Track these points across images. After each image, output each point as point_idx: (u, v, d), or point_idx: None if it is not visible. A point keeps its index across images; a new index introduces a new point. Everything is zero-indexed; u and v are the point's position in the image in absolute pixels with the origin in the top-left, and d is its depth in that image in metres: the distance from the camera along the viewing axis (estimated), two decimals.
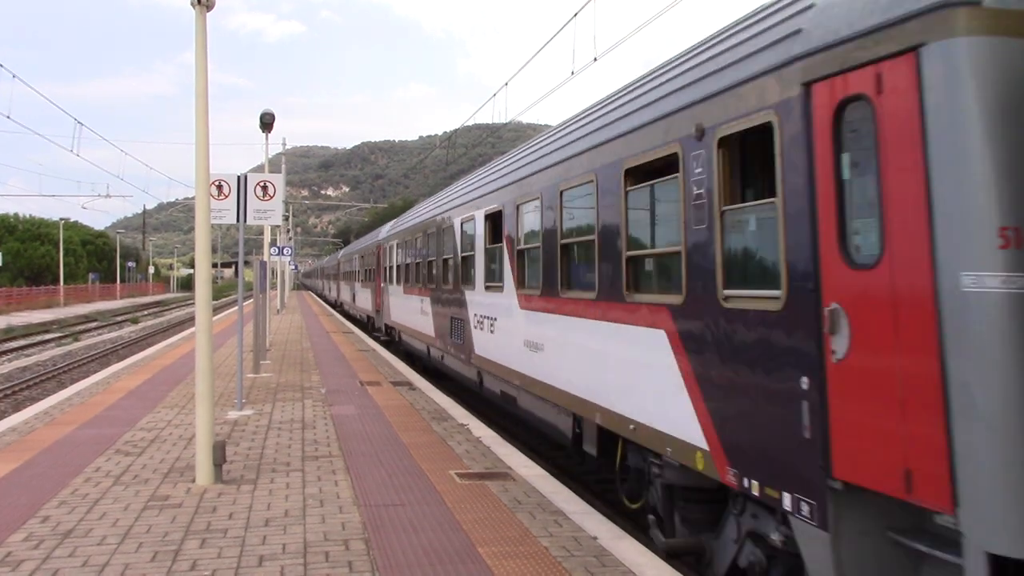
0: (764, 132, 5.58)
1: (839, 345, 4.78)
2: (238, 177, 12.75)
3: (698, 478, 6.45)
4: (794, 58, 5.22)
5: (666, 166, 6.98)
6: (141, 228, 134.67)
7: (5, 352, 32.02)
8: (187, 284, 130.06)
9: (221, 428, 11.36)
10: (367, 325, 34.66)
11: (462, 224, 14.94)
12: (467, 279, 14.53)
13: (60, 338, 38.86)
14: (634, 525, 8.54)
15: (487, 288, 12.95)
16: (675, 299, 6.69)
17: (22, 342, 36.74)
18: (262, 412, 12.98)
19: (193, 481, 8.54)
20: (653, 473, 7.41)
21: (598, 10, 14.09)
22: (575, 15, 15.16)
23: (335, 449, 10.18)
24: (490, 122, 26.62)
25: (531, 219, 10.81)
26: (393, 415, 12.67)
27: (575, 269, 9.34)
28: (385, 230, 29.54)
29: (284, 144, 44.22)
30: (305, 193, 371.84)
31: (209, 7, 8.63)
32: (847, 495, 4.78)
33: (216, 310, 49.31)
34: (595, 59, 14.89)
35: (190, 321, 44.91)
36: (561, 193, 9.48)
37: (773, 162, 5.42)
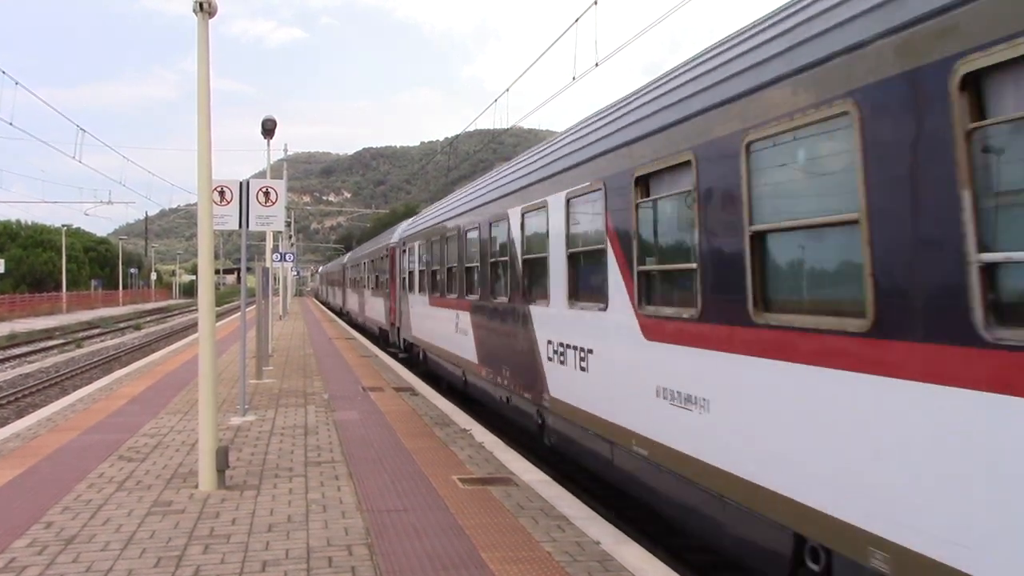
0: None
1: None
2: (240, 183, 12.77)
3: None
4: None
5: None
6: (143, 234, 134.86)
7: (8, 359, 32.04)
8: (189, 290, 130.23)
9: (224, 434, 11.37)
10: (379, 339, 30.50)
11: (524, 216, 11.21)
12: (534, 291, 10.84)
13: (63, 344, 38.88)
14: (637, 530, 8.53)
15: (574, 304, 9.25)
16: None
17: (25, 349, 36.79)
18: (265, 418, 12.99)
19: (196, 487, 8.54)
20: None
21: (599, 15, 14.14)
22: (576, 20, 15.21)
23: (338, 455, 10.18)
24: (492, 128, 26.65)
25: (666, 200, 7.23)
26: (396, 420, 12.67)
27: (785, 277, 5.67)
28: (401, 229, 25.84)
29: (286, 150, 44.24)
30: (307, 199, 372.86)
31: (212, 13, 8.66)
32: None
33: (219, 316, 49.33)
34: (596, 64, 14.93)
35: (193, 327, 44.98)
36: (747, 147, 5.81)
37: None
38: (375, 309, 31.75)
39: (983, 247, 3.91)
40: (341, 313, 53.57)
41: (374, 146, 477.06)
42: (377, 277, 30.84)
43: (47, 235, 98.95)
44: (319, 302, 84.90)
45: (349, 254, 54.57)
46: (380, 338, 30.23)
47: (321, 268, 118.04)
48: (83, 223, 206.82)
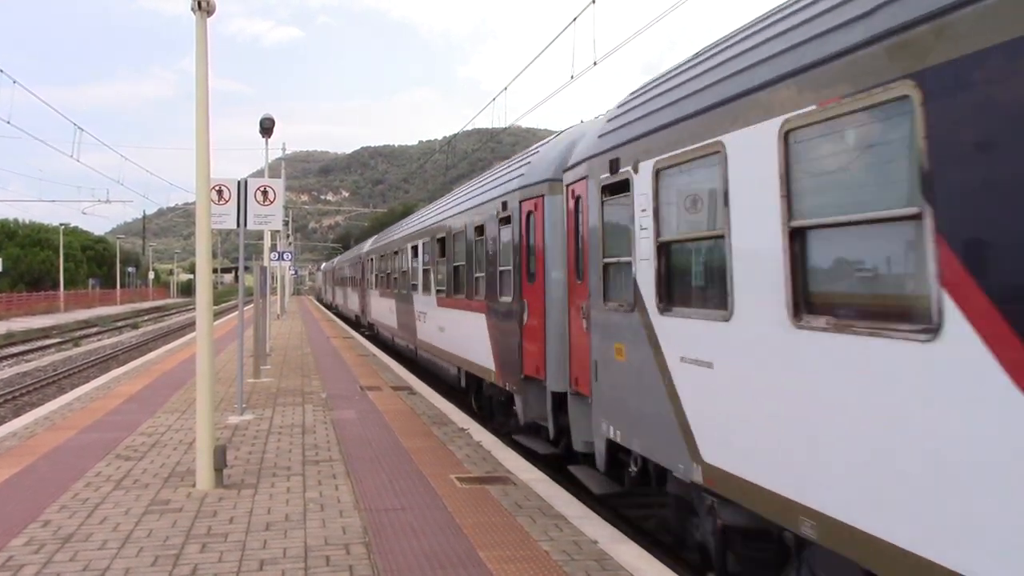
0: None
1: None
2: (238, 182, 12.77)
3: None
4: None
5: None
6: (141, 233, 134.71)
7: (6, 357, 32.00)
8: (187, 289, 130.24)
9: (222, 433, 11.37)
10: (460, 389, 16.01)
11: None
12: None
13: (60, 343, 38.84)
14: (634, 529, 8.54)
15: None
16: None
17: (22, 347, 36.73)
18: (263, 417, 12.98)
19: (194, 486, 8.54)
20: None
21: (598, 14, 14.13)
22: (574, 19, 15.20)
23: (335, 453, 10.18)
24: (490, 127, 26.69)
25: None
26: (394, 420, 12.67)
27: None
28: (582, 147, 9.41)
29: (284, 149, 44.21)
30: (305, 198, 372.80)
31: (210, 12, 8.65)
32: None
33: (216, 315, 49.28)
34: (595, 63, 14.92)
35: (190, 326, 44.92)
36: None
37: None
38: (457, 336, 15.67)
39: None
40: (358, 324, 39.41)
41: (372, 145, 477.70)
42: (456, 270, 15.72)
43: (45, 234, 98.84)
44: (323, 306, 69.35)
45: (373, 237, 38.29)
46: (467, 393, 15.51)
47: (324, 264, 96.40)
48: (81, 222, 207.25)
